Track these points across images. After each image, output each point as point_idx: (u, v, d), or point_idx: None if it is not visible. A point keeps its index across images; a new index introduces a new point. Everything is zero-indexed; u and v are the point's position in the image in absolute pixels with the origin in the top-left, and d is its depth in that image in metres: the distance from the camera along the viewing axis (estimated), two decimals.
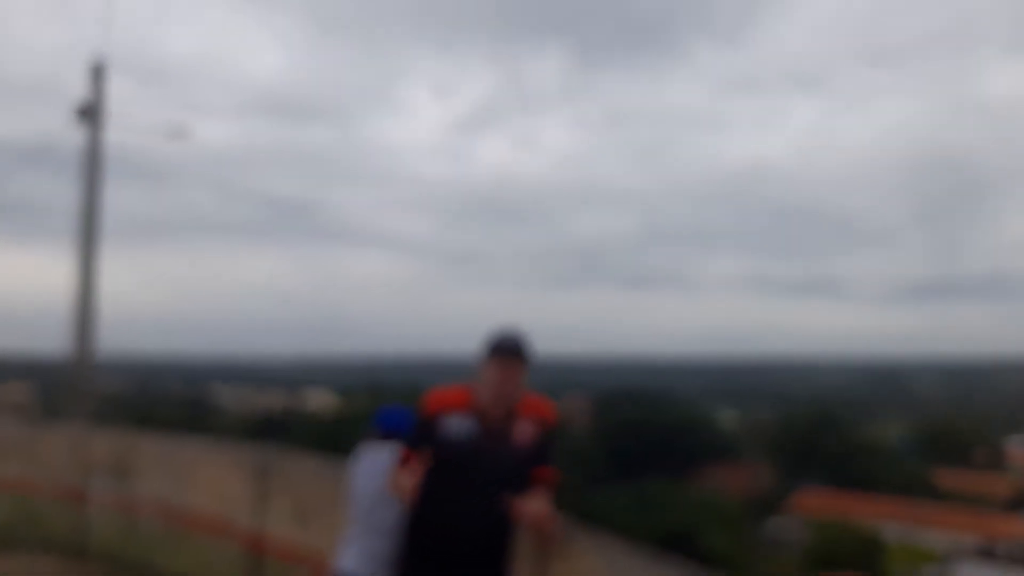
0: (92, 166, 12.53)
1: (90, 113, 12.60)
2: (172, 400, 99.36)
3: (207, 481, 7.01)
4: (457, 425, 3.43)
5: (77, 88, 13.51)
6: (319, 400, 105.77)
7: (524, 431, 3.44)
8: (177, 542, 7.30)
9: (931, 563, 39.79)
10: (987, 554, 39.12)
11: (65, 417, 13.58)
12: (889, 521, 51.24)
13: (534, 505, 3.24)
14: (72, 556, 8.26)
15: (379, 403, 4.58)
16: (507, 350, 3.42)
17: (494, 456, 3.40)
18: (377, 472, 4.12)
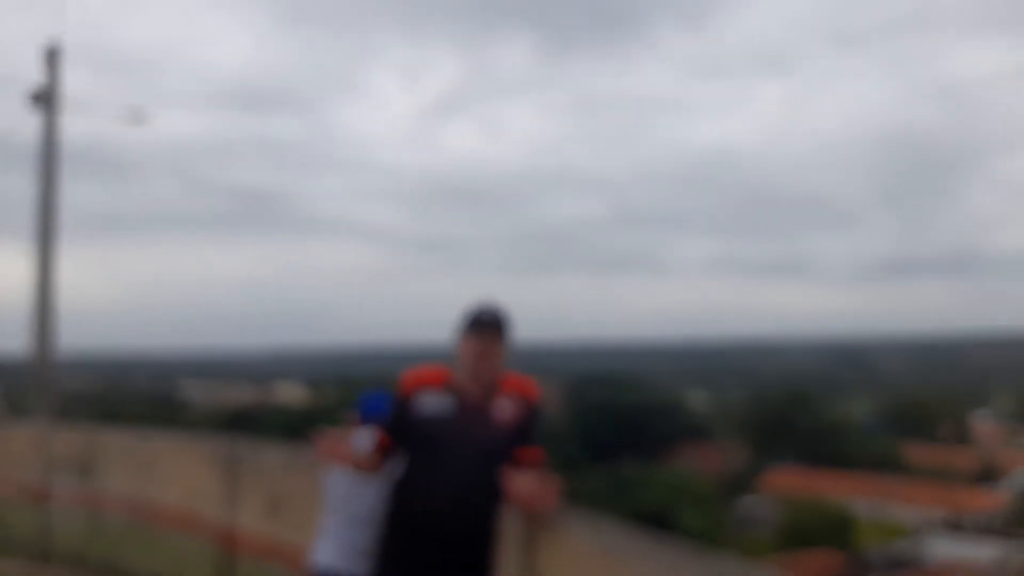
0: (48, 154, 12.12)
1: (45, 98, 12.18)
2: (139, 396, 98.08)
3: (174, 475, 6.80)
4: (435, 403, 3.30)
5: (35, 78, 13.09)
6: (290, 393, 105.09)
7: (505, 410, 3.30)
8: (144, 539, 7.08)
9: (901, 537, 40.42)
10: (954, 527, 39.80)
11: (28, 416, 13.24)
12: (859, 497, 52.03)
13: (525, 482, 3.10)
14: (36, 556, 8.01)
15: (350, 394, 4.44)
16: (485, 324, 3.29)
17: (474, 435, 3.26)
18: None
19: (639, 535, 2.77)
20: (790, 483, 56.22)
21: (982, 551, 26.43)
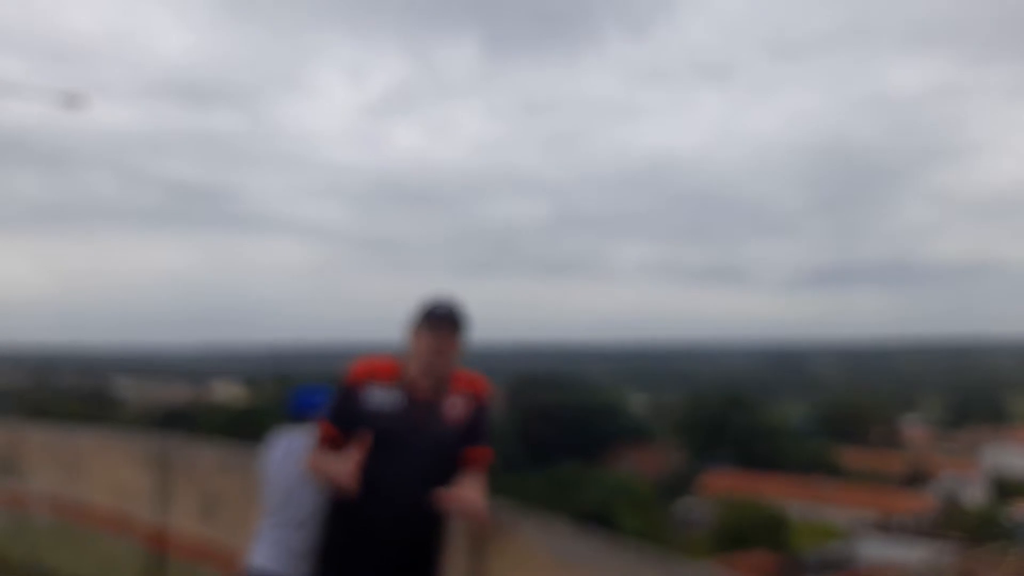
0: None
1: None
2: (69, 392, 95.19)
3: (103, 473, 6.51)
4: (382, 396, 3.16)
5: None
6: (226, 391, 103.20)
7: (455, 406, 3.20)
8: (71, 539, 6.78)
9: (834, 539, 41.36)
10: (885, 529, 40.87)
11: None
12: (794, 499, 53.12)
13: (466, 492, 2.99)
14: None
15: (287, 392, 4.27)
16: (440, 318, 3.17)
17: (422, 431, 3.13)
18: (292, 459, 3.81)
19: (591, 539, 2.67)
20: (727, 485, 57.12)
21: (911, 553, 27.16)
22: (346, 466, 3.06)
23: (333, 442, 3.23)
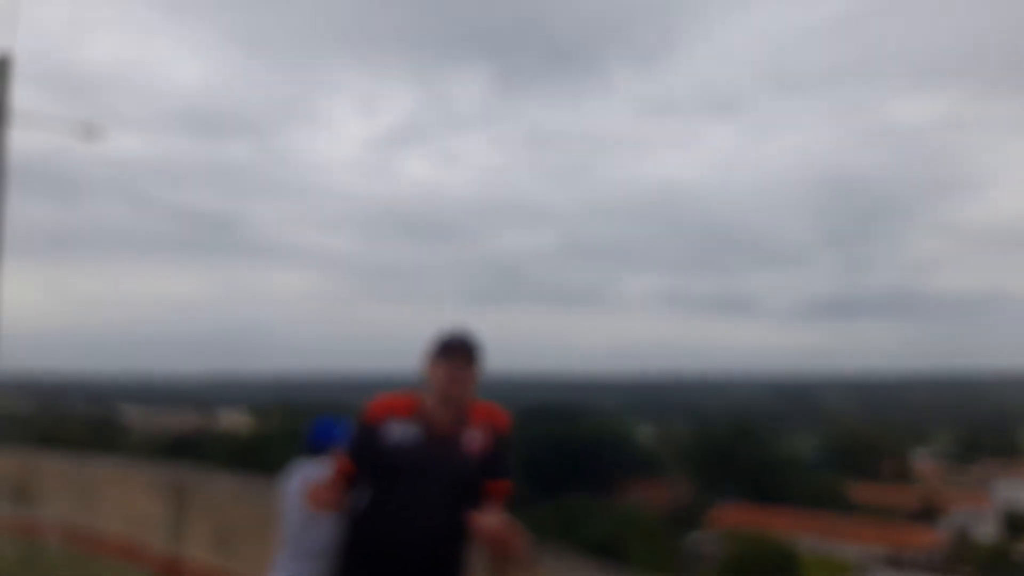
0: None
1: None
2: (77, 419, 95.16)
3: (117, 503, 6.52)
4: (401, 432, 3.15)
5: None
6: (232, 419, 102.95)
7: (474, 439, 3.17)
8: (84, 568, 6.77)
9: (844, 574, 40.85)
10: (895, 564, 40.39)
11: None
12: (803, 533, 52.51)
13: (491, 520, 2.98)
14: None
15: (294, 422, 4.29)
16: (456, 350, 3.17)
17: (442, 465, 3.12)
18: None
19: (609, 573, 2.67)
20: (735, 518, 56.52)
21: None
22: (329, 494, 3.11)
23: (349, 478, 3.23)
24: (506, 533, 2.88)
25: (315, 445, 4.04)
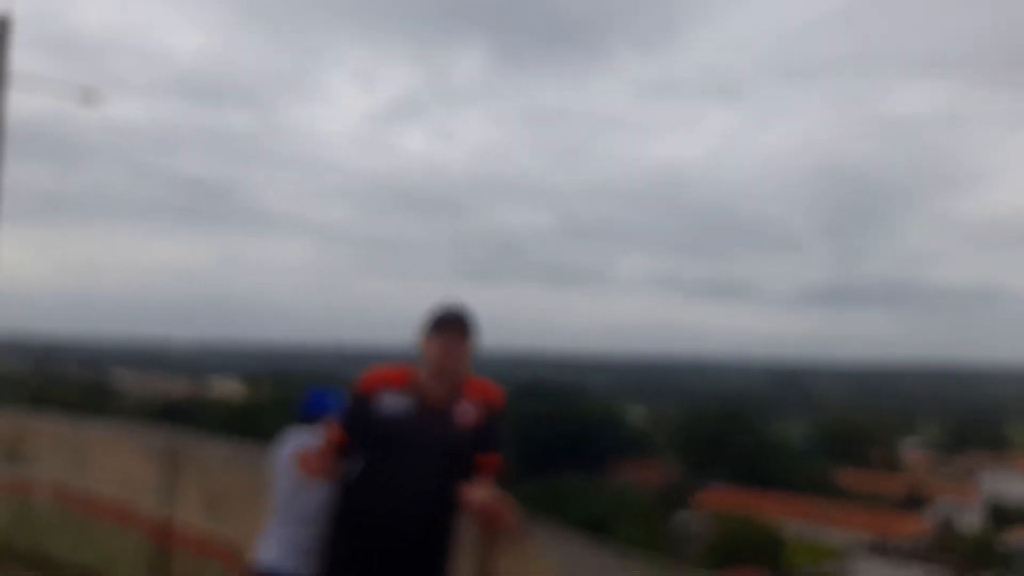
0: None
1: None
2: (70, 382, 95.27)
3: (110, 465, 6.55)
4: (394, 403, 3.19)
5: None
6: (225, 387, 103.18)
7: (467, 413, 3.21)
8: (76, 529, 6.82)
9: (829, 558, 41.24)
10: (880, 550, 40.75)
11: None
12: (790, 518, 52.96)
13: (482, 492, 3.02)
14: None
15: (286, 391, 4.31)
16: (450, 325, 3.21)
17: (433, 437, 3.16)
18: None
19: (599, 548, 2.71)
20: (724, 501, 56.98)
21: (907, 574, 27.09)
22: (319, 462, 3.20)
23: (341, 447, 3.28)
24: (496, 506, 2.91)
25: (308, 414, 4.06)
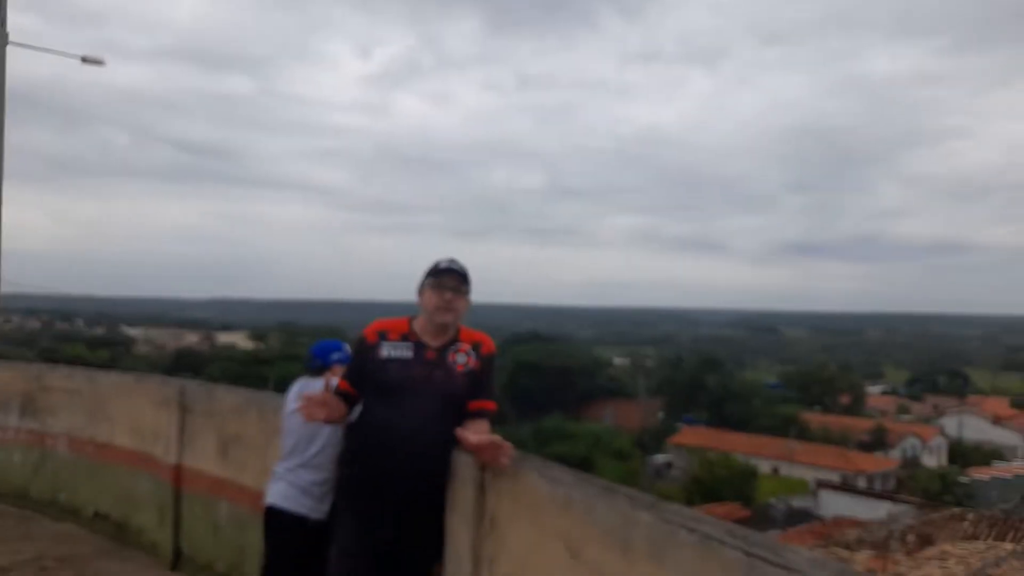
0: None
1: None
2: (82, 339, 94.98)
3: (123, 414, 6.55)
4: (394, 350, 3.30)
5: None
6: (233, 341, 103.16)
7: (461, 360, 3.32)
8: (92, 476, 6.85)
9: (799, 493, 41.95)
10: (847, 487, 41.49)
11: None
12: (762, 457, 53.77)
13: (478, 434, 3.07)
14: None
15: (293, 345, 4.34)
16: (443, 273, 3.32)
17: (430, 382, 3.26)
18: None
19: (588, 481, 2.74)
20: (700, 441, 57.69)
21: (872, 510, 27.68)
22: (321, 409, 3.26)
23: (346, 395, 3.39)
24: (492, 445, 2.97)
25: (315, 364, 4.10)
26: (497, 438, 2.99)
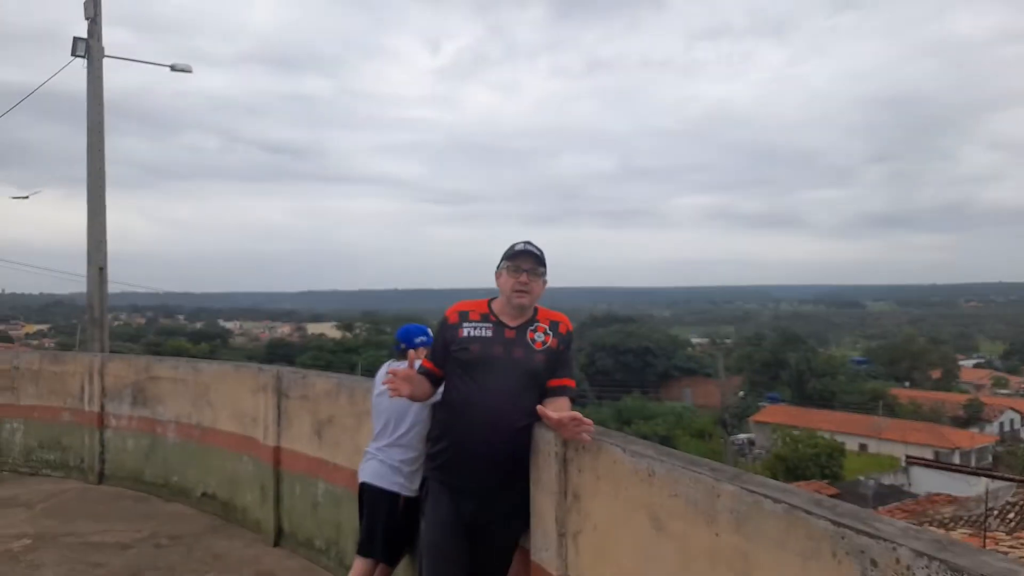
0: (92, 101, 11.89)
1: (89, 36, 11.77)
2: (183, 333, 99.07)
3: (225, 400, 6.84)
4: (474, 329, 3.36)
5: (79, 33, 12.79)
6: (322, 331, 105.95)
7: (539, 339, 3.35)
8: (198, 459, 7.18)
9: (889, 470, 40.61)
10: (940, 464, 39.93)
11: (83, 349, 13.34)
12: (848, 435, 52.16)
13: (559, 411, 3.09)
14: (94, 477, 8.14)
15: (378, 333, 4.43)
16: (519, 254, 3.35)
17: (511, 359, 3.29)
18: None
19: (670, 455, 2.73)
20: (782, 418, 56.37)
21: (967, 488, 26.55)
22: (404, 384, 3.33)
23: (433, 376, 3.47)
24: (573, 421, 2.99)
25: (400, 348, 4.20)
26: (578, 414, 3.00)
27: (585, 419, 2.98)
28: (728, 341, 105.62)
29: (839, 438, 46.82)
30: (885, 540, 1.83)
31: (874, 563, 1.85)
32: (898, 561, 1.79)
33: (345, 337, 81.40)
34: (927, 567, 1.72)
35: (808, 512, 2.05)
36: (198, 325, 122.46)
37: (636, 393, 68.16)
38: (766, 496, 2.20)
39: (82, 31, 12.15)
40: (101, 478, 8.18)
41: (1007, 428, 59.33)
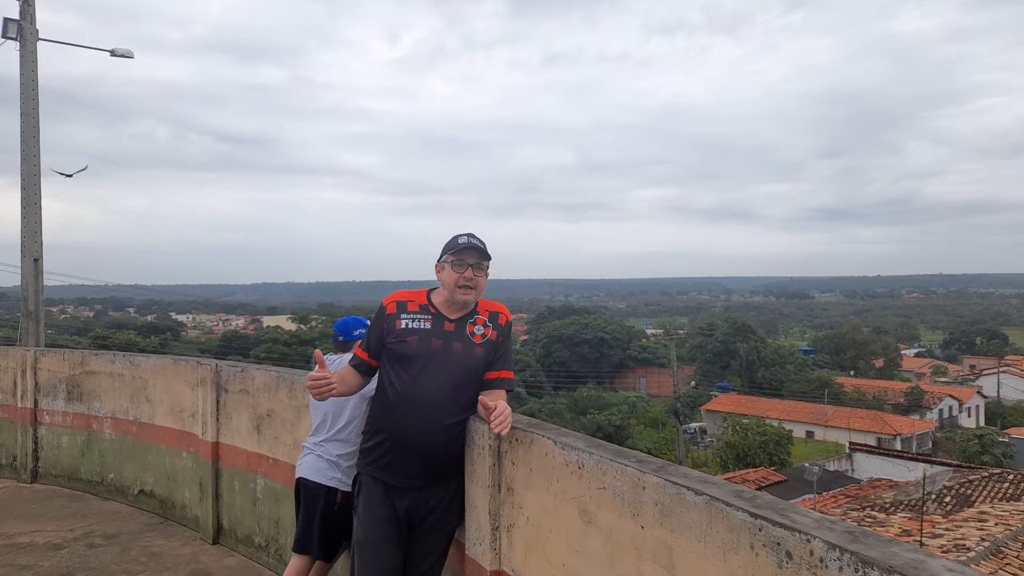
0: (26, 86, 11.47)
1: (21, 18, 11.33)
2: (134, 326, 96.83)
3: (163, 395, 6.66)
4: (412, 321, 3.27)
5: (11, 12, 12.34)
6: (277, 323, 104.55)
7: (479, 331, 3.28)
8: (136, 456, 6.99)
9: (833, 456, 41.55)
10: (883, 449, 40.99)
11: (19, 344, 12.95)
12: (795, 422, 53.24)
13: (494, 403, 3.05)
14: (27, 476, 7.89)
15: (333, 325, 4.37)
16: (462, 247, 3.26)
17: (448, 351, 3.22)
18: None
19: (600, 447, 2.71)
20: (733, 407, 57.28)
21: (908, 472, 27.30)
22: (320, 381, 3.14)
23: (366, 366, 3.37)
24: (507, 414, 2.96)
25: (340, 340, 4.12)
26: (508, 410, 2.99)
27: (512, 416, 2.99)
28: (682, 332, 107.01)
29: (787, 426, 47.76)
30: (800, 532, 1.82)
31: (789, 555, 1.84)
32: (811, 553, 1.78)
33: (300, 330, 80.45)
34: (839, 559, 1.71)
35: (728, 504, 2.04)
36: (149, 318, 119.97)
37: (592, 383, 68.65)
38: (688, 488, 2.19)
39: (13, 11, 11.72)
40: (34, 476, 7.93)
41: (946, 415, 61.09)
